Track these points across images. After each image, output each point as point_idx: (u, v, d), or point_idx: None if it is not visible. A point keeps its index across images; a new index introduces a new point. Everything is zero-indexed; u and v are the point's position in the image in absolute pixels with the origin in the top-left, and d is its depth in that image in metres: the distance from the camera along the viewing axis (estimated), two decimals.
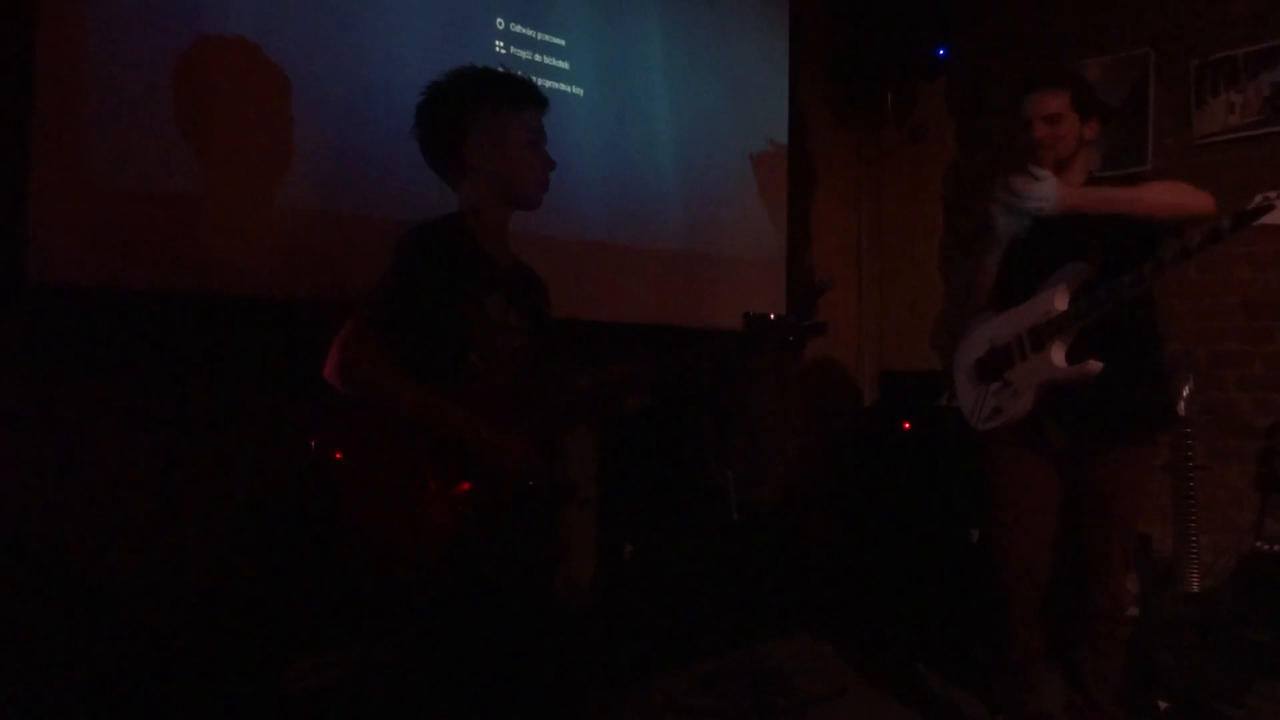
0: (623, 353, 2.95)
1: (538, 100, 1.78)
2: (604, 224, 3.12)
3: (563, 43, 3.00)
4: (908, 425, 3.60)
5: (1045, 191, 2.15)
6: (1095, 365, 2.12)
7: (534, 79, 1.84)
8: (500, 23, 2.84)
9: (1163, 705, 2.57)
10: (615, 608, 2.93)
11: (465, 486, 1.60)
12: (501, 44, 2.84)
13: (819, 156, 4.18)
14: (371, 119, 2.53)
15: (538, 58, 2.91)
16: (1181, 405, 2.64)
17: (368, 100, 2.53)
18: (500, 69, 1.82)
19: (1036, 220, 2.26)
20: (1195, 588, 2.62)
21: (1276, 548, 2.95)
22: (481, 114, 1.73)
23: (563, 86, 2.97)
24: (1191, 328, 3.38)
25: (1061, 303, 2.19)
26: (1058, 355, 2.18)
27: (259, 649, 2.27)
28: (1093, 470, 2.25)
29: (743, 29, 3.65)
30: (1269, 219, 1.93)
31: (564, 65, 3.00)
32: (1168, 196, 2.15)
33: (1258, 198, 1.94)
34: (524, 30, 2.90)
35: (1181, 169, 3.40)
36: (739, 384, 3.79)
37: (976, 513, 3.20)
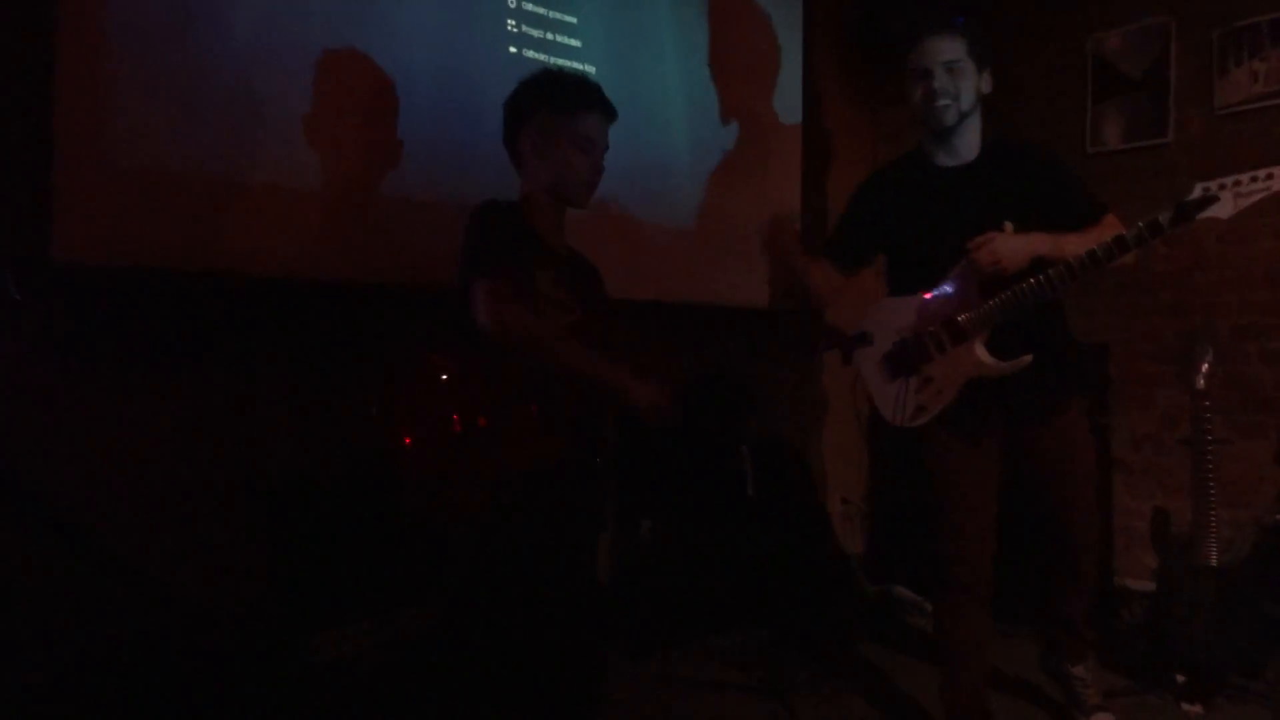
0: (638, 330, 2.97)
1: (601, 108, 1.91)
2: (616, 199, 3.12)
3: (574, 20, 2.99)
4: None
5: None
6: (1027, 359, 2.01)
7: (596, 84, 1.94)
8: (512, 1, 2.84)
9: (1180, 679, 2.57)
10: (633, 583, 2.95)
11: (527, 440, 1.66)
12: (513, 22, 2.84)
13: (834, 131, 4.15)
14: (388, 99, 2.55)
15: (549, 36, 2.91)
16: (1200, 379, 2.62)
17: (380, 78, 2.54)
18: (570, 72, 1.97)
19: (939, 177, 2.15)
20: (1214, 562, 2.61)
21: None
22: (539, 114, 1.88)
23: (574, 64, 2.97)
24: (1213, 300, 3.34)
25: (981, 296, 2.03)
26: (981, 350, 2.05)
27: (282, 622, 2.31)
28: (1038, 441, 2.19)
29: (756, 3, 3.63)
30: (1214, 212, 1.84)
31: (575, 43, 3.00)
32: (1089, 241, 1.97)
33: (1197, 189, 1.85)
34: (535, 9, 2.90)
35: (1203, 139, 3.35)
36: (758, 363, 3.79)
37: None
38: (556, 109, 1.88)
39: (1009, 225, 2.00)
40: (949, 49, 2.07)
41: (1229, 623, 2.57)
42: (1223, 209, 1.84)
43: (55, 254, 2.05)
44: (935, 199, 2.14)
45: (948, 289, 2.08)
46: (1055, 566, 2.34)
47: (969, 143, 2.15)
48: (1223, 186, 1.84)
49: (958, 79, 2.07)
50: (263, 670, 2.19)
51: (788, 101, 3.78)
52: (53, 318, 2.13)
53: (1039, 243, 1.99)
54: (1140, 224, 1.88)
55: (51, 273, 2.07)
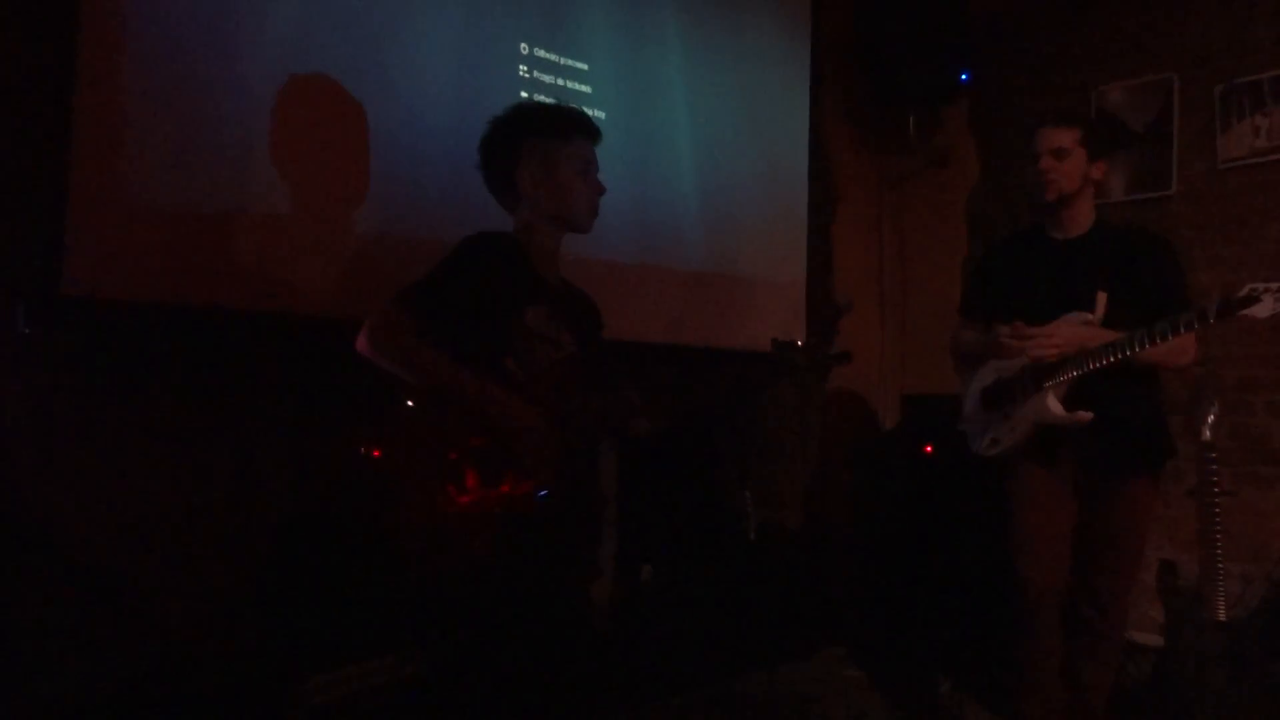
0: (644, 372, 2.98)
1: (588, 130, 1.89)
2: (626, 245, 3.14)
3: (585, 67, 3.05)
4: (929, 449, 3.58)
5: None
6: (1086, 416, 2.19)
7: (578, 108, 1.94)
8: (525, 48, 2.89)
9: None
10: (633, 628, 2.92)
11: (505, 488, 1.63)
12: (525, 68, 2.89)
13: (840, 180, 4.19)
14: (400, 141, 2.59)
15: (560, 81, 2.96)
16: (1206, 430, 2.61)
17: (394, 123, 2.58)
18: (552, 102, 1.95)
19: (1049, 249, 2.38)
20: (1223, 616, 2.57)
21: None
22: (534, 144, 1.85)
23: (585, 110, 3.01)
24: (1219, 353, 3.34)
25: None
26: (1053, 400, 2.24)
27: (279, 661, 2.28)
28: (1099, 506, 2.33)
29: (764, 52, 3.69)
30: (1253, 311, 1.97)
31: (586, 89, 3.04)
32: (1171, 353, 2.20)
33: (1245, 288, 1.98)
34: (547, 55, 2.95)
35: (1206, 193, 3.38)
36: (759, 405, 3.79)
37: (1002, 538, 3.18)
38: (552, 136, 1.84)
39: (1102, 296, 2.22)
40: (1059, 138, 2.31)
41: (1238, 679, 2.52)
42: (1262, 309, 1.97)
43: (65, 289, 2.07)
44: (1044, 266, 2.38)
45: None
46: (1079, 628, 2.40)
47: (1078, 220, 2.38)
48: (1268, 290, 1.97)
49: (1063, 163, 2.30)
50: (257, 712, 2.16)
51: (795, 149, 3.83)
52: (60, 351, 2.15)
53: (1091, 338, 2.19)
54: (1185, 315, 2.03)
55: (61, 307, 2.08)
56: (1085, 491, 2.36)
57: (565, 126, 1.86)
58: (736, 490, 3.39)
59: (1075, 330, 2.21)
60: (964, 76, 3.93)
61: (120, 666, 2.13)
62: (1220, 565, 2.56)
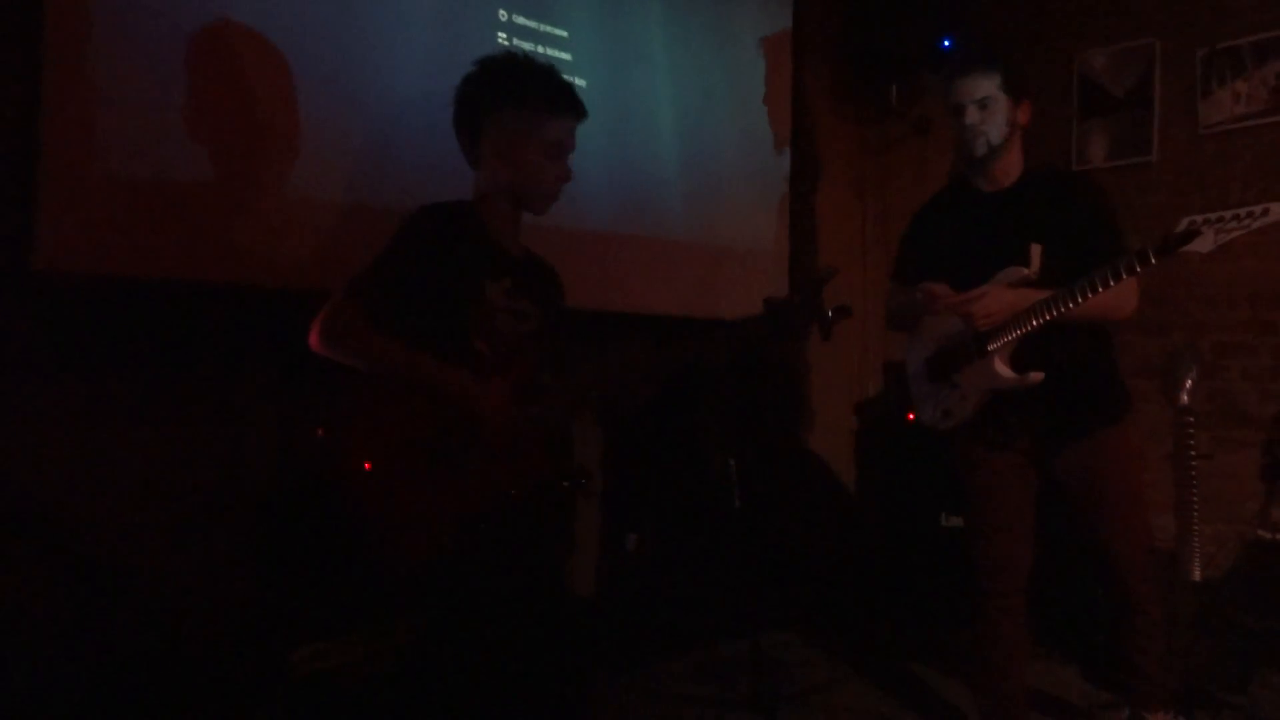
0: (625, 343, 2.98)
1: (570, 110, 1.73)
2: (607, 214, 3.13)
3: (565, 34, 3.01)
4: (912, 416, 3.59)
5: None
6: (1036, 377, 2.09)
7: (567, 82, 1.77)
8: (503, 14, 2.85)
9: (1166, 678, 2.57)
10: (619, 596, 2.94)
11: (474, 471, 1.61)
12: (504, 35, 2.85)
13: (823, 148, 4.17)
14: (376, 108, 2.55)
15: (540, 49, 2.92)
16: (1184, 395, 2.64)
17: (371, 92, 2.54)
18: (538, 65, 1.75)
19: (978, 202, 2.25)
20: (1197, 577, 2.62)
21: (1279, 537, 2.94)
22: (502, 116, 1.72)
23: (565, 78, 2.98)
24: (1196, 318, 3.37)
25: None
26: (1000, 364, 2.14)
27: (265, 634, 2.29)
28: (1071, 462, 2.23)
29: (745, 20, 3.66)
30: (1195, 246, 1.85)
31: (566, 57, 3.01)
32: (1110, 300, 2.04)
33: (1184, 222, 1.87)
34: (526, 22, 2.91)
35: (1186, 159, 3.39)
36: (743, 373, 3.80)
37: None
38: (525, 108, 1.69)
39: (1037, 248, 2.09)
40: (980, 87, 2.16)
41: (1212, 637, 2.58)
42: (1204, 243, 1.86)
43: (35, 263, 2.04)
44: (974, 222, 2.25)
45: None
46: (1109, 599, 2.33)
47: (1007, 170, 2.24)
48: (1207, 221, 1.86)
49: (988, 114, 2.16)
50: (244, 683, 2.17)
51: (777, 117, 3.80)
52: (31, 326, 2.12)
53: (1024, 300, 2.07)
54: (1124, 259, 1.91)
55: (30, 281, 2.05)
56: (1050, 455, 2.25)
57: (544, 103, 1.70)
58: (721, 459, 3.41)
59: (1004, 296, 2.08)
60: (946, 43, 3.91)
61: (104, 646, 2.12)
62: (1195, 527, 2.61)
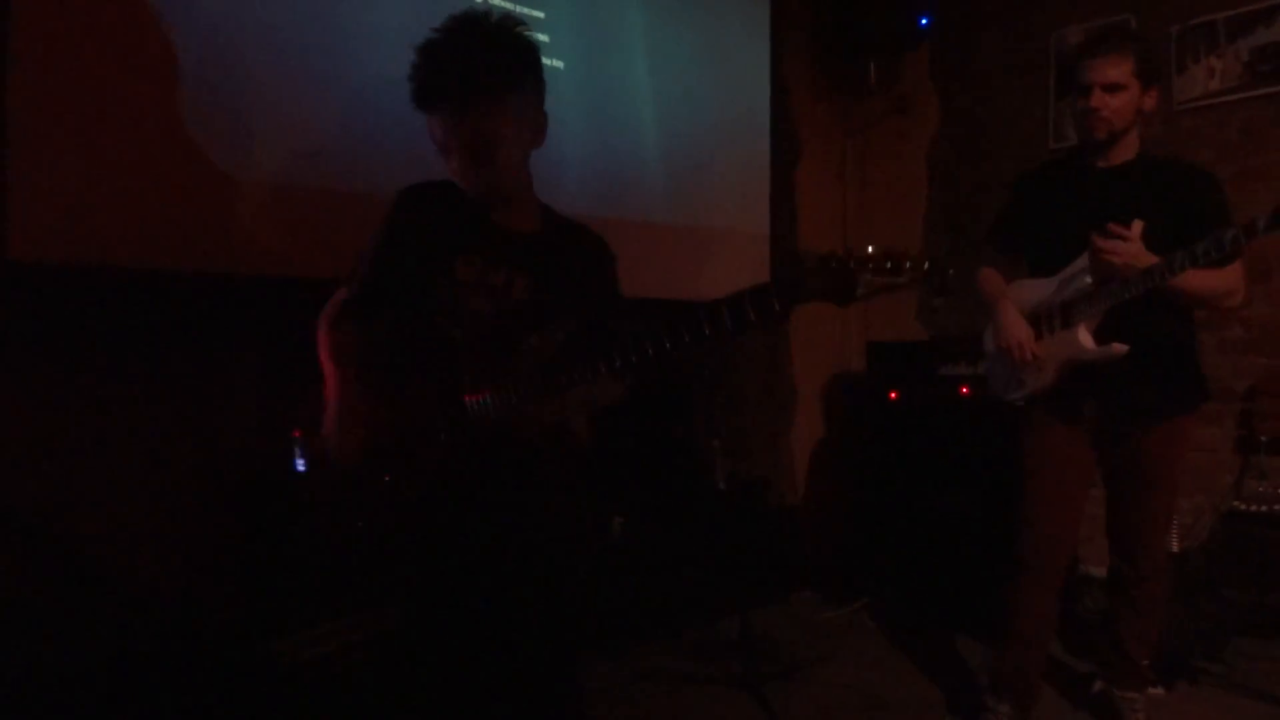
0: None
1: (437, 102, 1.51)
2: (586, 197, 3.11)
3: (542, 15, 2.98)
4: (894, 395, 3.63)
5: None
6: (1120, 348, 2.07)
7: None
8: None
9: (1144, 661, 2.62)
10: (604, 579, 2.96)
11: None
12: None
13: (803, 128, 4.17)
14: (351, 92, 2.52)
15: None
16: None
17: (345, 73, 2.52)
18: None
19: (1087, 176, 2.21)
20: (1174, 548, 2.66)
21: (1255, 508, 3.00)
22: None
23: (543, 59, 2.96)
24: None
25: (1092, 281, 2.12)
26: (1084, 334, 2.13)
27: (252, 624, 2.28)
28: (1134, 447, 2.22)
29: (724, 0, 3.64)
30: None
31: (544, 38, 2.98)
32: (1217, 284, 2.07)
33: None
34: (502, 2, 2.88)
35: (1162, 135, 3.41)
36: (727, 354, 3.81)
37: (965, 482, 3.25)
38: (413, 103, 1.53)
39: (1138, 224, 2.04)
40: (1113, 73, 2.11)
41: (1189, 607, 2.63)
42: None
43: (13, 253, 2.01)
44: (1083, 194, 2.21)
45: (1072, 273, 2.15)
46: (1116, 582, 2.36)
47: (1122, 150, 2.20)
48: None
49: (1116, 99, 2.12)
50: (232, 672, 2.16)
51: (756, 98, 3.79)
52: (7, 317, 2.09)
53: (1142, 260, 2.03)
54: (1230, 230, 1.89)
55: (9, 271, 2.03)
56: (1110, 439, 2.24)
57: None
58: (705, 440, 3.42)
59: (1135, 247, 2.02)
60: (924, 21, 3.92)
61: (88, 638, 2.11)
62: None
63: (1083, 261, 2.13)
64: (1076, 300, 2.13)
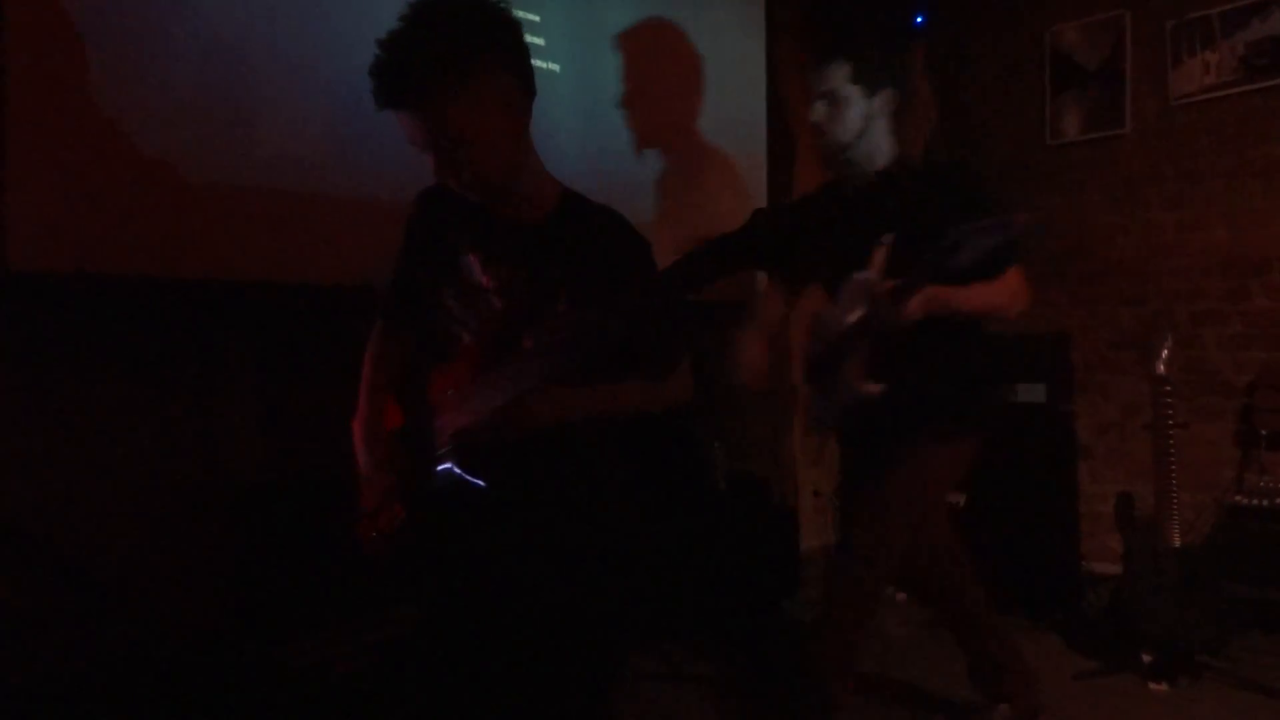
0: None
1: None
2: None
3: (537, 19, 2.98)
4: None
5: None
6: (873, 388, 1.85)
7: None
8: None
9: (1146, 658, 2.62)
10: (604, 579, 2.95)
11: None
12: None
13: (798, 126, 4.16)
14: (346, 99, 2.51)
15: None
16: (1160, 365, 2.67)
17: (340, 80, 2.51)
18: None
19: (835, 212, 2.04)
20: (1177, 543, 2.66)
21: (1256, 502, 3.00)
22: None
23: (538, 63, 2.94)
24: (1170, 288, 3.41)
25: (850, 317, 1.89)
26: (854, 371, 1.90)
27: (253, 630, 2.28)
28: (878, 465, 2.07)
29: (718, 2, 3.64)
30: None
31: (539, 41, 2.98)
32: (992, 297, 1.86)
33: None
34: None
35: (1158, 131, 3.42)
36: (725, 353, 3.80)
37: (964, 481, 3.24)
38: None
39: (888, 238, 1.82)
40: (827, 79, 1.95)
41: (1192, 602, 2.63)
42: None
43: (12, 263, 2.01)
44: (837, 219, 2.05)
45: (837, 309, 1.97)
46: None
47: (864, 164, 2.03)
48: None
49: (836, 110, 1.95)
50: (233, 678, 2.16)
51: (752, 100, 3.79)
52: (7, 325, 2.09)
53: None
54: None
55: (9, 281, 2.02)
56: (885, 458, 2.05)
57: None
58: (705, 440, 3.42)
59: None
60: (919, 20, 3.92)
61: (87, 643, 2.11)
62: (1174, 494, 2.65)
63: (841, 301, 1.95)
64: (838, 337, 1.94)
